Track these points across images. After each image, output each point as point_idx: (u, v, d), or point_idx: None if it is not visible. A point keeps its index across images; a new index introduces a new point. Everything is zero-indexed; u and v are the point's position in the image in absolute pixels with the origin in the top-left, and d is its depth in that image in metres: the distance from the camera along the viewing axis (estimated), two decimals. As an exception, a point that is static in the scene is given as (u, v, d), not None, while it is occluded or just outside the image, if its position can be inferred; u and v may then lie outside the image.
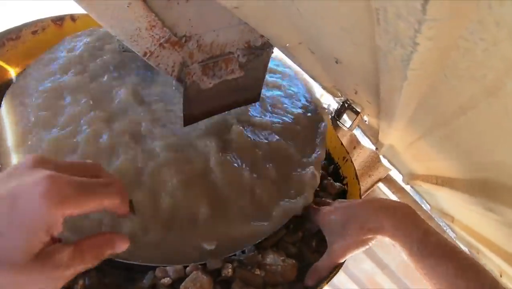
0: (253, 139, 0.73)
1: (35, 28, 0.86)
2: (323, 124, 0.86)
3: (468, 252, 0.55)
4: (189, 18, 0.57)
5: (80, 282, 0.53)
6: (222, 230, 0.60)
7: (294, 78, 0.96)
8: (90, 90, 0.73)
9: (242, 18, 0.56)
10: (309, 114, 0.87)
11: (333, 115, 0.98)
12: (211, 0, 0.57)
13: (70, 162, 0.37)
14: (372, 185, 1.08)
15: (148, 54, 0.55)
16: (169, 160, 0.63)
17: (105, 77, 0.76)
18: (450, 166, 0.65)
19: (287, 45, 0.62)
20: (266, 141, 0.74)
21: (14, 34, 0.82)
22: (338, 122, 0.99)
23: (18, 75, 0.79)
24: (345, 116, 0.97)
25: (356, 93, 0.75)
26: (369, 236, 0.56)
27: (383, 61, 0.41)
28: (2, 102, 0.71)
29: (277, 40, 0.61)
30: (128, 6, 0.50)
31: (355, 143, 1.03)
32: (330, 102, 1.16)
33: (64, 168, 0.36)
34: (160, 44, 0.55)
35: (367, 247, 0.57)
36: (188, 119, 0.66)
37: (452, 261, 0.50)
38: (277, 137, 0.76)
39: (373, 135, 1.03)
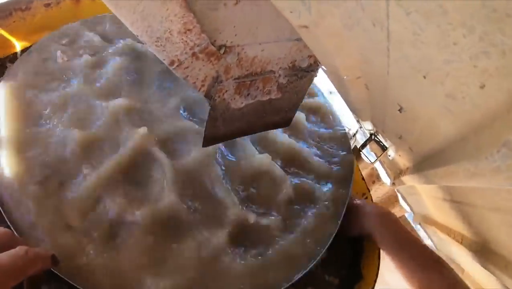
0: None
1: (49, 0, 0.77)
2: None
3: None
4: (235, 25, 0.45)
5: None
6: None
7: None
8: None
9: (306, 39, 0.44)
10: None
11: (357, 145, 0.88)
12: (266, 6, 0.45)
13: None
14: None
15: (176, 64, 0.43)
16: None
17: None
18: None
19: (345, 77, 0.50)
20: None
21: (24, 4, 0.74)
22: (361, 152, 0.88)
23: (24, 51, 0.69)
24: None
25: (400, 138, 0.65)
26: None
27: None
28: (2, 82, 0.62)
29: (335, 70, 0.49)
30: (159, -1, 0.37)
31: (375, 177, 0.94)
32: (351, 127, 1.06)
33: None
34: (194, 54, 0.43)
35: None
36: (209, 140, 0.54)
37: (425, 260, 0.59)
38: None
39: (393, 169, 0.94)
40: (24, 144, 0.55)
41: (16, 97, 0.59)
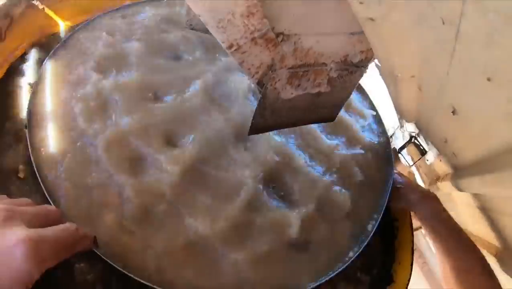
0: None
1: None
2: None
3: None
4: (294, 14, 0.44)
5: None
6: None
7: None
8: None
9: (368, 33, 0.43)
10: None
11: (395, 146, 0.86)
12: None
13: (35, 210, 0.39)
14: (416, 229, 0.97)
15: (235, 48, 0.43)
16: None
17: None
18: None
19: (399, 75, 0.49)
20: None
21: None
22: (399, 154, 0.87)
23: (69, 31, 0.71)
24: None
25: (445, 141, 0.63)
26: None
27: None
28: (47, 60, 0.63)
29: (390, 67, 0.49)
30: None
31: (411, 180, 0.92)
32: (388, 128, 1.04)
33: (30, 216, 0.37)
34: (253, 39, 0.43)
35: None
36: (256, 128, 0.54)
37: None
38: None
39: (429, 175, 0.92)
40: (68, 122, 0.56)
41: (61, 74, 0.61)
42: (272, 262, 0.54)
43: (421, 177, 0.97)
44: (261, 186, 0.59)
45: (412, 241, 0.75)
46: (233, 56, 0.44)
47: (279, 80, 0.49)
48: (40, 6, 0.71)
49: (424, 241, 1.06)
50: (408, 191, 0.73)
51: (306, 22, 0.46)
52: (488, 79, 0.37)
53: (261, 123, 0.55)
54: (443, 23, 0.36)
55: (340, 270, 0.57)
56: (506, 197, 0.57)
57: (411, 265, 0.71)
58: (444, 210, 0.69)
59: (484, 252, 0.78)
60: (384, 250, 0.74)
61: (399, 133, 0.86)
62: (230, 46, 0.43)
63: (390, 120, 0.91)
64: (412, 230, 0.77)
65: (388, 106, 0.80)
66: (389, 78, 0.54)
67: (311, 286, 0.54)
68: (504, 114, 0.40)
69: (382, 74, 0.57)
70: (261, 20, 0.42)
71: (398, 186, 0.74)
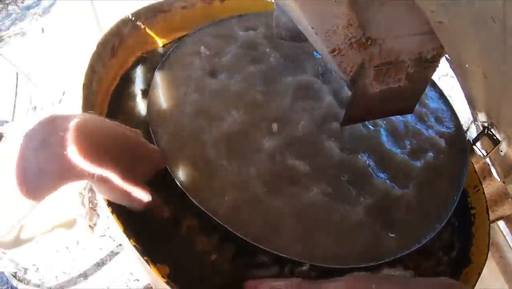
0: None
1: (185, 3, 0.91)
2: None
3: None
4: (379, 22, 0.58)
5: (214, 256, 0.58)
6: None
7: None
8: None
9: (439, 32, 0.55)
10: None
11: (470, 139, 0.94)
12: (403, 6, 0.58)
13: None
14: (493, 221, 1.01)
15: (337, 52, 0.56)
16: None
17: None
18: None
19: (466, 65, 0.60)
20: None
21: (167, 7, 0.88)
22: (474, 146, 0.94)
23: (166, 46, 0.86)
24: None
25: (515, 125, 0.72)
26: None
27: None
28: (158, 71, 0.77)
29: (458, 60, 0.60)
30: (336, 1, 0.52)
31: (486, 173, 0.98)
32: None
33: None
34: (350, 44, 0.56)
35: None
36: (348, 120, 0.67)
37: None
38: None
39: (503, 166, 0.98)
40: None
41: (171, 81, 0.76)
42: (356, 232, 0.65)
43: (497, 171, 1.02)
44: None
45: (489, 226, 0.80)
46: (334, 59, 0.58)
47: (367, 77, 0.62)
48: (142, 26, 0.84)
49: (502, 235, 1.08)
50: None
51: (388, 27, 0.59)
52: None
53: (352, 115, 0.68)
54: (494, 21, 0.47)
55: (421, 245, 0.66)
56: None
57: (488, 247, 0.76)
58: None
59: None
60: (462, 234, 0.82)
61: (473, 127, 0.93)
62: (334, 50, 0.56)
63: (463, 117, 0.99)
64: (488, 216, 0.82)
65: (461, 103, 0.89)
66: (459, 69, 0.65)
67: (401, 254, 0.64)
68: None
69: (452, 67, 0.68)
70: (357, 29, 0.55)
71: None
